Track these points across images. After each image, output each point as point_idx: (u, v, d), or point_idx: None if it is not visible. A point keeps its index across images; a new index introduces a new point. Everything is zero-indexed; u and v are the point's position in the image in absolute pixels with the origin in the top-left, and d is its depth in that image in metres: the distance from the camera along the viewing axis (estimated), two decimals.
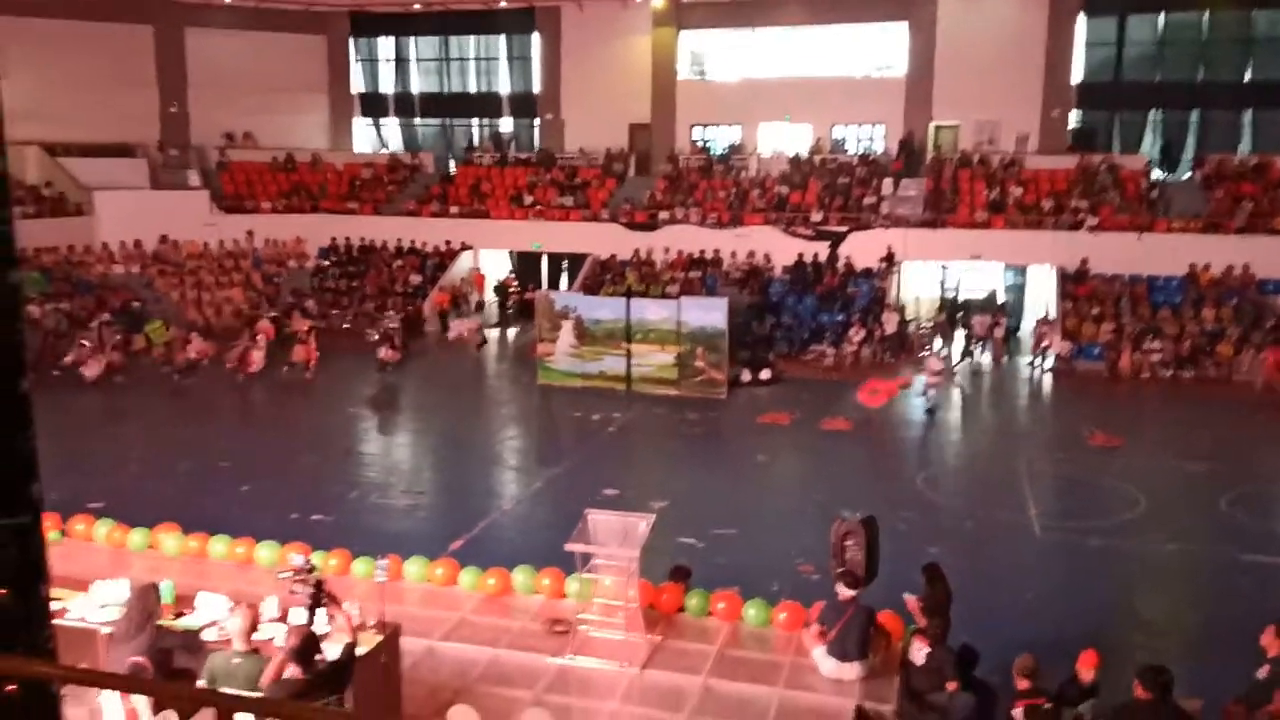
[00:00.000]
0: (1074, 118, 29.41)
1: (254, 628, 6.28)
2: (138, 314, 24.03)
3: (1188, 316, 23.12)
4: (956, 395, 20.50)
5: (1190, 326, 22.76)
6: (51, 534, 8.62)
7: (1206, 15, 27.98)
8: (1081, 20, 28.68)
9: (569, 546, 8.12)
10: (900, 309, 24.99)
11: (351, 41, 35.14)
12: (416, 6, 33.39)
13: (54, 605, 2.54)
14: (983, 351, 23.95)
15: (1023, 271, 27.08)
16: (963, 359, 23.73)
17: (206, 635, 7.02)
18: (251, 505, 12.97)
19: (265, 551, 9.70)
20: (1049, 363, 22.76)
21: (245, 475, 14.52)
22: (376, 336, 21.56)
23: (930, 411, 18.56)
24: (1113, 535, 12.58)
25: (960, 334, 24.93)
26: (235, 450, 15.91)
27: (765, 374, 21.43)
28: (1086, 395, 20.94)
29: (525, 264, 30.69)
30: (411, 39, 35.10)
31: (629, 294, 24.42)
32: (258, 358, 20.27)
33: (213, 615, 7.28)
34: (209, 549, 9.82)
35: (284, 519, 12.17)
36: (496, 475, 15.60)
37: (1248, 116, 28.26)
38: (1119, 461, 15.92)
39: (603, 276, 27.45)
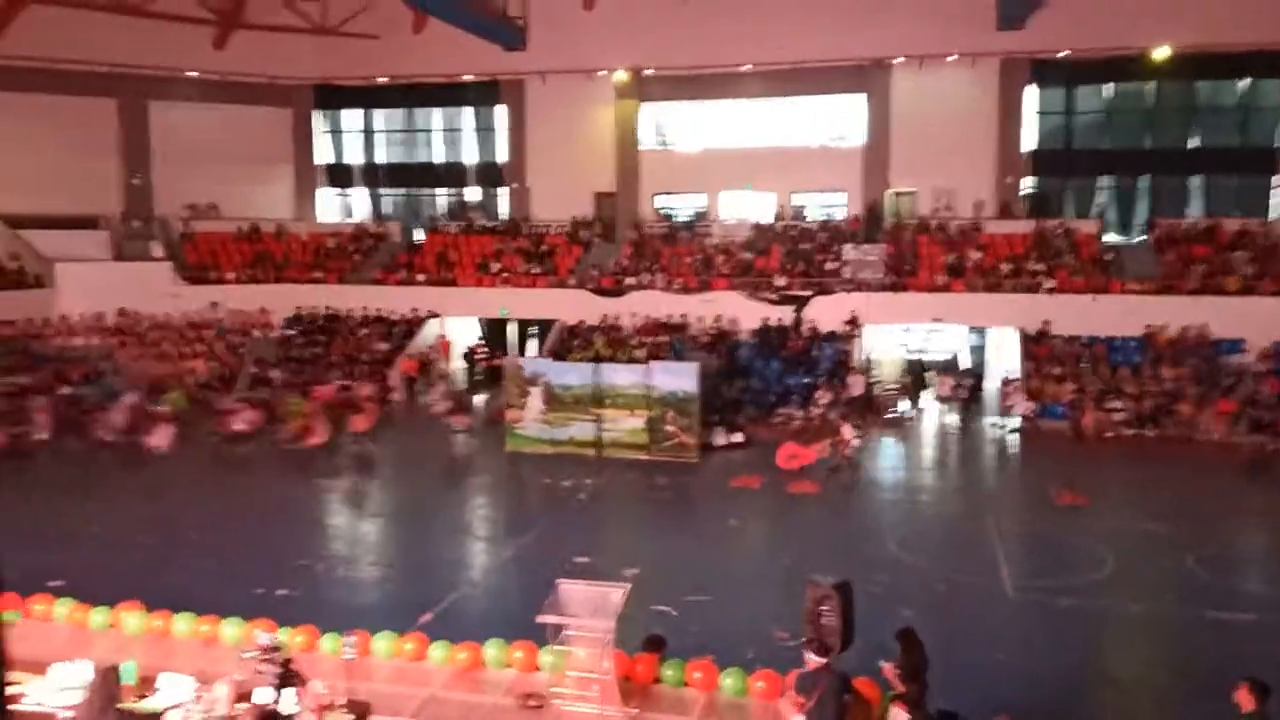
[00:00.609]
0: (1028, 184, 30.24)
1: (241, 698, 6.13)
2: (108, 387, 23.70)
3: (1148, 376, 23.56)
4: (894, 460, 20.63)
5: (1150, 386, 23.18)
6: (9, 615, 8.38)
7: (1151, 85, 29.05)
8: (1031, 90, 29.65)
9: (541, 618, 8.03)
10: (865, 371, 25.25)
11: (317, 113, 35.41)
12: (382, 80, 33.83)
13: (11, 690, 2.49)
14: (949, 412, 24.20)
15: (984, 333, 27.53)
16: (912, 412, 24.10)
17: (170, 718, 6.84)
18: (217, 580, 12.71)
19: (230, 629, 9.50)
20: (1014, 422, 23.06)
21: (210, 548, 14.22)
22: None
23: (834, 469, 18.55)
24: (1083, 595, 12.64)
25: (926, 394, 25.23)
26: (200, 523, 15.61)
27: (738, 437, 21.52)
28: (1052, 454, 21.16)
29: (493, 330, 30.72)
30: (377, 111, 35.47)
31: (597, 359, 24.50)
32: (320, 430, 20.29)
33: (177, 697, 7.09)
34: (172, 627, 9.59)
35: (249, 594, 11.91)
36: (466, 545, 15.41)
37: (1196, 181, 29.23)
38: (1086, 520, 16.06)
39: (570, 342, 27.52)
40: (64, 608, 9.83)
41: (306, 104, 35.11)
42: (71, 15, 29.55)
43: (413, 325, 29.13)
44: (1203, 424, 21.99)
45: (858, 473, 18.77)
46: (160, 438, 19.84)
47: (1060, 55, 28.62)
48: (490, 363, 28.37)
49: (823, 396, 23.66)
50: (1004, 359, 25.99)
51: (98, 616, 9.68)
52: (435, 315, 29.59)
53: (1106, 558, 14.12)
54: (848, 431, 18.90)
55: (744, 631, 11.02)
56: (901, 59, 29.62)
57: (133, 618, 9.63)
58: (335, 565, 14.10)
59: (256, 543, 14.83)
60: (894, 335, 27.42)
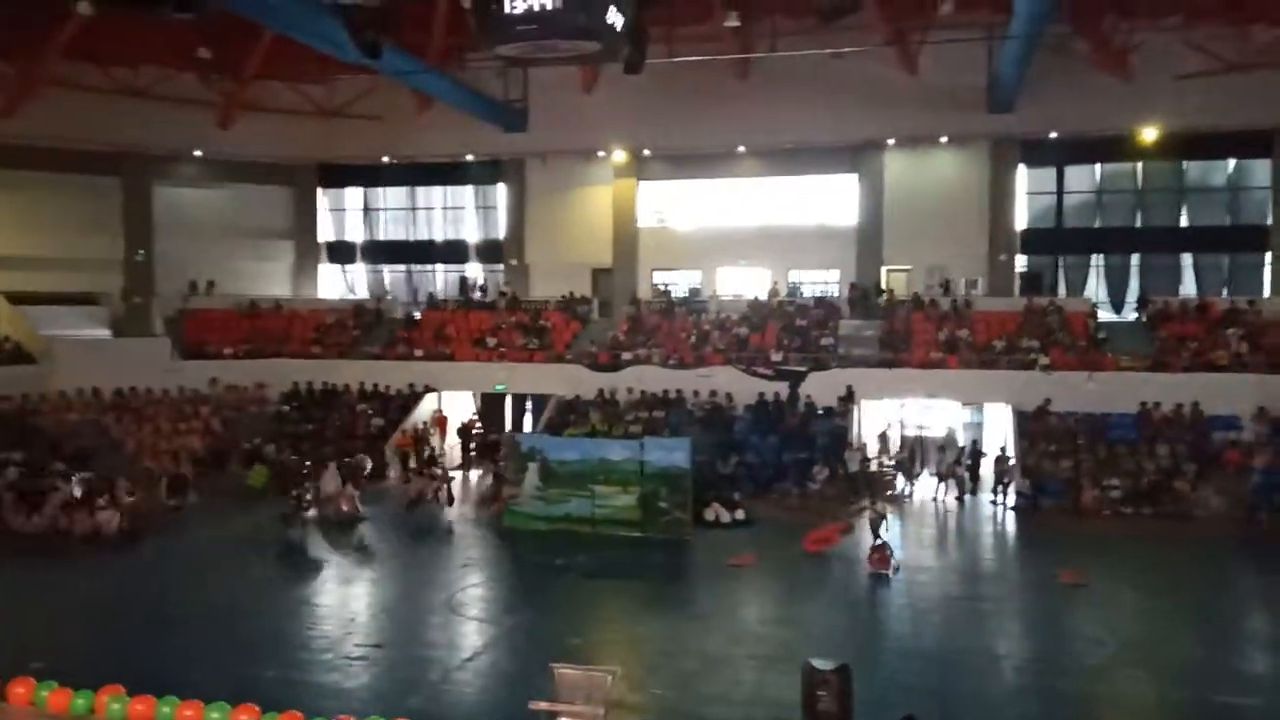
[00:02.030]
0: (1020, 262, 30.57)
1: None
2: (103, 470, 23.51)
3: (1143, 454, 23.50)
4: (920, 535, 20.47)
5: (1146, 464, 23.11)
6: None
7: (1140, 165, 29.59)
8: (1022, 170, 30.18)
9: (534, 705, 7.88)
10: (862, 448, 25.18)
11: (320, 192, 35.95)
12: (385, 159, 34.46)
13: None
14: (946, 490, 24.07)
15: (981, 410, 27.55)
16: (909, 489, 24.03)
17: None
18: (201, 662, 12.48)
19: (215, 714, 9.29)
20: (1011, 500, 22.94)
21: (195, 629, 14.00)
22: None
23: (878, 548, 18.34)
24: (1084, 677, 12.42)
25: (922, 474, 25.14)
26: (185, 603, 15.38)
27: (739, 514, 21.34)
28: (1050, 532, 21.01)
29: (489, 406, 30.70)
30: (380, 189, 36.04)
31: (593, 434, 24.43)
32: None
33: None
34: (156, 712, 9.38)
35: (235, 676, 11.68)
36: (457, 625, 15.15)
37: (1187, 260, 29.57)
38: (1087, 599, 15.87)
39: (566, 417, 27.49)
40: (45, 691, 9.62)
41: (310, 182, 35.68)
42: (80, 97, 30.24)
43: (409, 401, 29.12)
44: (1200, 501, 21.90)
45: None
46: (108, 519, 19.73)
47: (1049, 136, 29.21)
48: (485, 438, 28.28)
49: (819, 473, 23.56)
50: (999, 436, 25.94)
51: (79, 701, 9.47)
52: (431, 390, 29.60)
53: (1107, 638, 13.92)
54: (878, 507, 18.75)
55: (743, 717, 10.81)
56: (893, 141, 30.22)
57: (115, 702, 9.42)
58: (323, 646, 13.86)
59: (242, 623, 14.59)
60: (890, 411, 27.41)
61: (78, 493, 20.82)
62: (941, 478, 24.24)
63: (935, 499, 23.89)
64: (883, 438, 25.90)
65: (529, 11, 11.29)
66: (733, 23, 26.20)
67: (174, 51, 29.90)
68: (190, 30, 27.65)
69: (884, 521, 18.66)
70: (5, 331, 27.44)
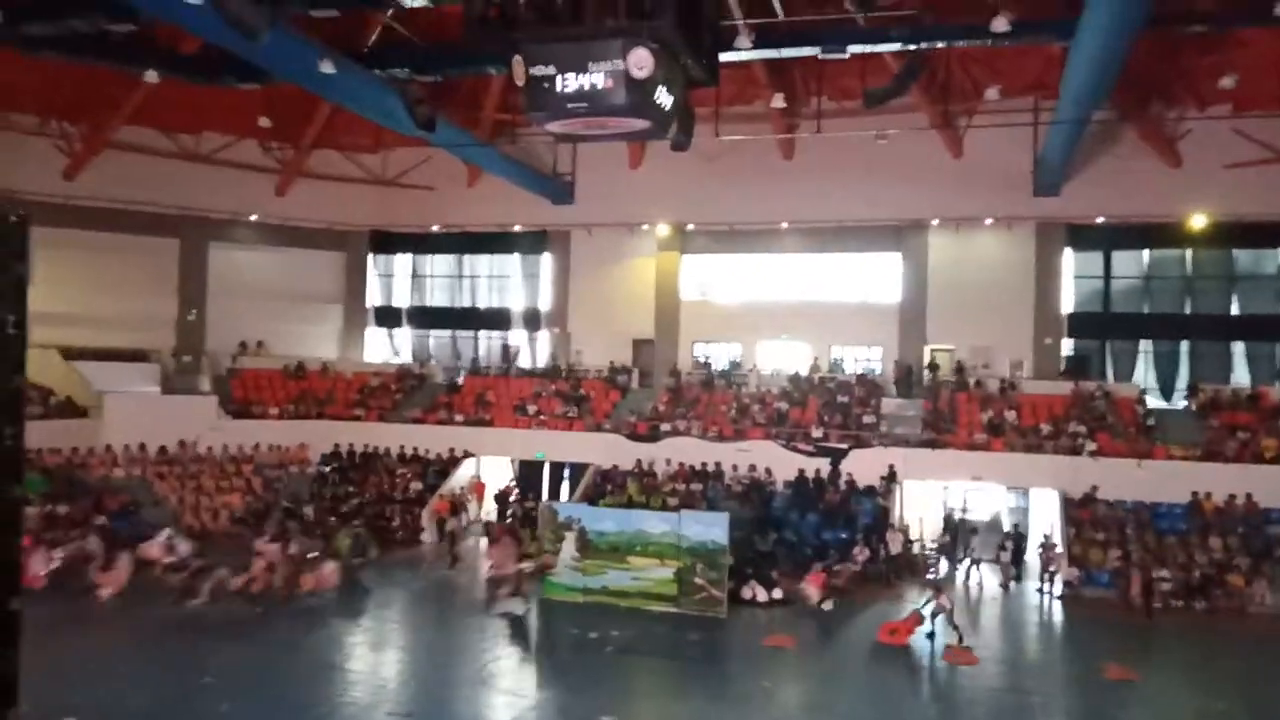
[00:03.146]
0: (1067, 346, 30.23)
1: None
2: (137, 522, 23.75)
3: (1195, 545, 22.84)
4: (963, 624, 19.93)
5: (1198, 556, 22.45)
6: None
7: (1189, 252, 29.31)
8: (1068, 254, 30.03)
9: None
10: (904, 529, 24.75)
11: (370, 257, 36.71)
12: (435, 228, 35.19)
13: None
14: (990, 575, 23.52)
15: (1026, 494, 27.02)
16: (966, 577, 23.46)
17: None
18: None
19: None
20: (1058, 589, 22.35)
21: (227, 692, 13.93)
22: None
23: (930, 635, 18.09)
24: None
25: (965, 558, 24.61)
26: (217, 665, 15.34)
27: (777, 593, 20.96)
28: (1097, 624, 20.39)
29: (526, 472, 30.70)
30: (428, 257, 36.73)
31: (629, 504, 24.27)
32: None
33: None
34: None
35: None
36: (488, 696, 14.96)
37: (1239, 348, 29.04)
38: (1137, 696, 15.31)
39: (604, 486, 27.38)
40: None
41: (360, 248, 36.44)
42: (143, 160, 31.37)
43: (448, 465, 29.22)
44: (1258, 597, 21.18)
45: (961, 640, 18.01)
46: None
47: (1096, 221, 29.10)
48: (523, 505, 28.22)
49: (860, 553, 23.16)
50: (1045, 522, 25.37)
51: None
52: (471, 455, 29.70)
53: None
54: (945, 602, 18.35)
55: None
56: (937, 221, 30.29)
57: None
58: (353, 713, 13.73)
59: (274, 687, 14.51)
60: (933, 493, 26.97)
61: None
62: (985, 563, 23.70)
63: (977, 584, 23.31)
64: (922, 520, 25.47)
65: (580, 91, 11.58)
66: (779, 104, 26.67)
67: (236, 119, 31.04)
68: (253, 99, 28.78)
69: (947, 613, 18.23)
70: (58, 385, 28.05)
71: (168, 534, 21.30)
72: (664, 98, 12.15)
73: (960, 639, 17.69)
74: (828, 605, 20.09)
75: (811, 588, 20.26)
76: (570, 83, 11.60)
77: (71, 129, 30.45)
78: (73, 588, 19.12)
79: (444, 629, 18.71)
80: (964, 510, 26.55)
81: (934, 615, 18.18)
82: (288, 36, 18.86)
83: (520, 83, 12.03)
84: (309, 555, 20.91)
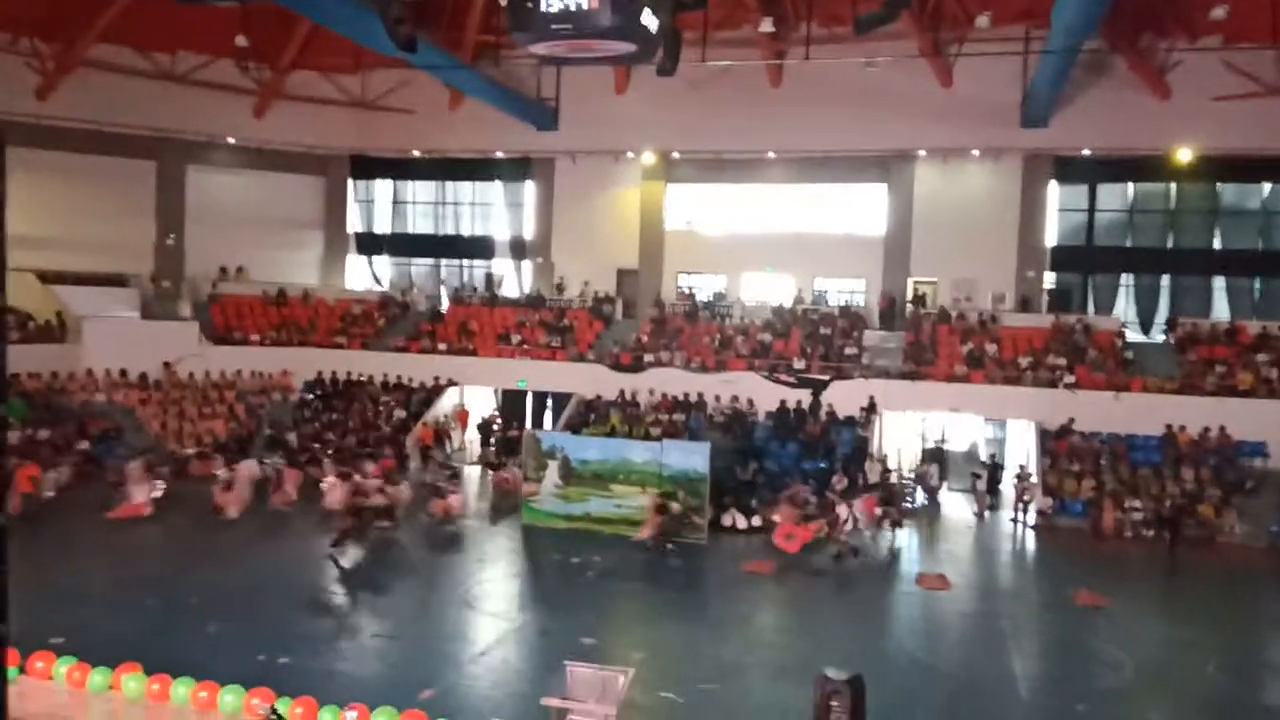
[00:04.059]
0: (1049, 279, 30.33)
1: None
2: (116, 443, 23.81)
3: (1168, 476, 23.26)
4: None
5: (1170, 487, 22.88)
6: (10, 671, 8.32)
7: (1174, 186, 29.29)
8: (1054, 187, 29.95)
9: (545, 701, 7.90)
10: (883, 459, 25.07)
11: (350, 183, 36.19)
12: (416, 153, 34.65)
13: None
14: (966, 504, 23.92)
15: (1004, 426, 27.36)
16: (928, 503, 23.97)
17: None
18: (218, 645, 12.60)
19: (229, 697, 9.40)
20: (1031, 518, 22.78)
21: (213, 613, 14.10)
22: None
23: (838, 556, 18.60)
24: (1100, 701, 12.30)
25: (943, 486, 25.01)
26: (204, 588, 15.50)
27: (756, 520, 21.27)
28: (1070, 552, 20.85)
29: (509, 402, 30.80)
30: (409, 183, 36.23)
31: (612, 434, 24.44)
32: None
33: None
34: (171, 692, 9.49)
35: (250, 660, 11.78)
36: (471, 619, 15.21)
37: (1219, 283, 29.21)
38: (1105, 622, 15.72)
39: (587, 416, 27.53)
40: (64, 666, 9.76)
41: (341, 173, 35.89)
42: (118, 80, 30.60)
43: (431, 394, 29.26)
44: (1225, 526, 21.67)
45: (858, 556, 18.61)
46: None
47: (1083, 153, 28.97)
48: (506, 434, 28.37)
49: (839, 483, 23.46)
50: (1021, 453, 25.76)
51: (97, 677, 9.59)
52: (454, 384, 29.74)
53: (1125, 662, 13.79)
54: (843, 511, 18.81)
55: None
56: (924, 152, 30.07)
57: (132, 680, 9.54)
58: (338, 635, 13.96)
59: (260, 609, 14.69)
60: (912, 424, 27.27)
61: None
62: (961, 492, 24.11)
63: (954, 513, 23.72)
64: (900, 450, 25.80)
65: (564, 11, 11.35)
66: (767, 29, 26.19)
67: (212, 38, 30.22)
68: (229, 18, 28.01)
69: (851, 556, 18.69)
70: (35, 309, 27.76)
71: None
72: (650, 20, 11.93)
73: (842, 555, 18.34)
74: (879, 537, 20.02)
75: (863, 513, 19.74)
76: (555, 2, 11.37)
77: (44, 47, 29.60)
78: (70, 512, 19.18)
79: (428, 554, 18.92)
80: (941, 441, 26.91)
81: (832, 528, 18.70)
82: None
83: (504, 2, 11.77)
84: (438, 484, 21.44)
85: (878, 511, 20.01)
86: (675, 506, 19.81)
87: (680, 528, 19.63)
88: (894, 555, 19.93)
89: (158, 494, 20.30)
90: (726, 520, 21.29)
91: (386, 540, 19.11)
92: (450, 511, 20.41)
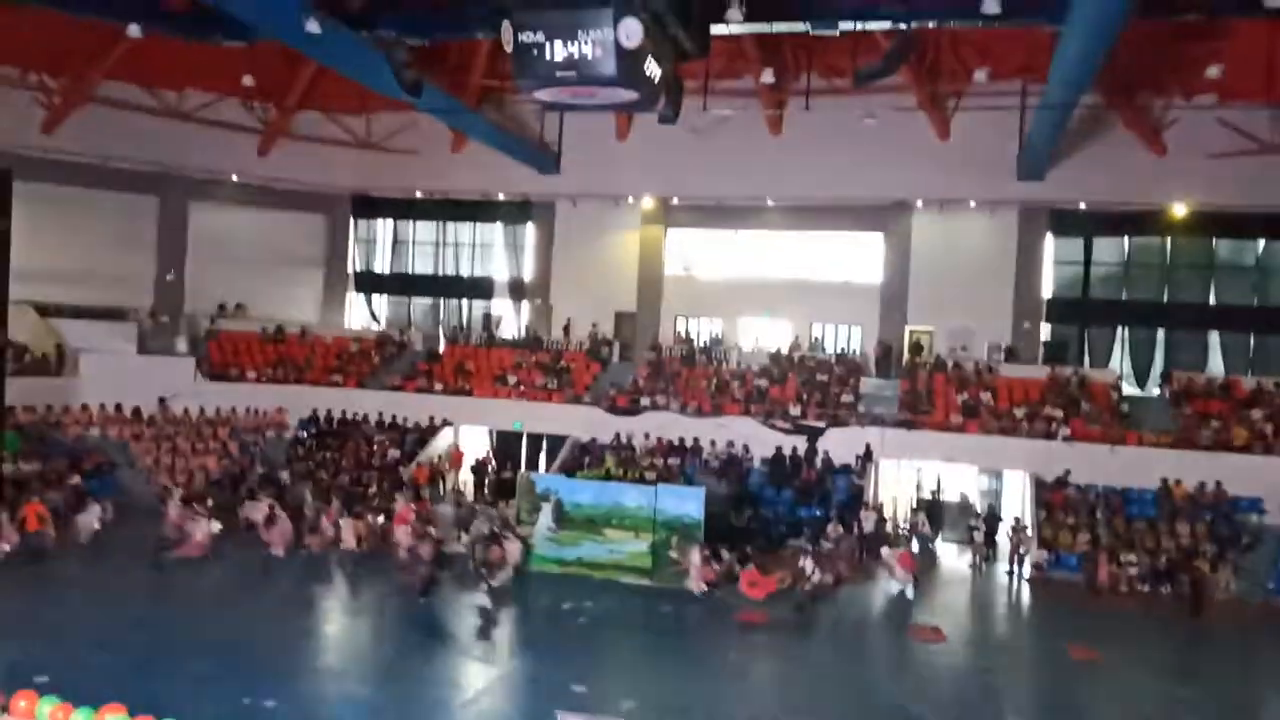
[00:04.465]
0: (1045, 331, 30.45)
1: None
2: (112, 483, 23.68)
3: (1163, 531, 23.16)
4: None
5: (1166, 542, 22.77)
6: None
7: (1169, 241, 29.51)
8: (1049, 239, 30.17)
9: None
10: (878, 508, 24.96)
11: (352, 221, 36.41)
12: (418, 193, 34.92)
13: None
14: (960, 555, 23.79)
15: (1000, 477, 27.29)
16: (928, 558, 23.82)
17: None
18: (203, 686, 12.44)
19: None
20: (1026, 571, 22.64)
21: (200, 652, 13.94)
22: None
23: (799, 607, 18.41)
24: None
25: (937, 536, 24.89)
26: (191, 626, 15.35)
27: (749, 568, 21.05)
28: (1064, 606, 20.68)
29: (504, 443, 30.70)
30: (410, 222, 36.46)
31: (607, 477, 24.35)
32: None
33: None
34: None
35: (236, 703, 11.65)
36: (461, 664, 15.06)
37: (1214, 337, 29.32)
38: (1099, 677, 15.57)
39: (582, 459, 27.44)
40: (48, 706, 9.59)
41: (343, 212, 36.14)
42: (124, 115, 30.90)
43: (426, 434, 29.17)
44: (1220, 582, 21.52)
45: (813, 610, 18.48)
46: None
47: (1079, 207, 29.23)
48: (500, 476, 28.25)
49: (834, 531, 23.35)
50: (1016, 504, 25.66)
51: (80, 717, 9.43)
52: (449, 424, 29.66)
53: (1119, 718, 13.64)
54: (807, 565, 18.75)
55: None
56: (921, 202, 30.33)
57: None
58: (325, 677, 13.79)
59: (246, 649, 14.52)
60: (908, 473, 27.19)
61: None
62: (955, 543, 23.98)
63: (948, 564, 23.57)
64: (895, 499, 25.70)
65: (569, 59, 11.51)
66: (768, 79, 26.56)
67: (219, 77, 30.61)
68: (236, 57, 28.35)
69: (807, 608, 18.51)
70: (32, 342, 27.75)
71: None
72: (653, 69, 12.09)
73: (803, 606, 18.20)
74: (910, 590, 19.81)
75: (900, 569, 19.93)
76: (559, 50, 11.53)
77: (52, 82, 29.94)
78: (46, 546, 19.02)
79: (418, 597, 18.74)
80: (937, 491, 26.81)
81: (795, 580, 18.64)
82: None
83: (509, 49, 11.94)
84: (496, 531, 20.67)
85: (913, 566, 20.02)
86: (725, 556, 19.71)
87: (731, 579, 19.38)
88: (889, 606, 19.77)
89: (216, 532, 20.11)
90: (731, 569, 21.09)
91: (376, 581, 18.94)
92: (506, 560, 19.44)
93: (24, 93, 29.61)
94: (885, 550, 20.81)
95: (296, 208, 34.95)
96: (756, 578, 18.74)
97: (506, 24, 11.78)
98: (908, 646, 17.14)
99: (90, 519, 20.55)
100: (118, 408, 27.75)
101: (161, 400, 28.40)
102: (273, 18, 20.08)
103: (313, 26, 19.46)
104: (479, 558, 19.08)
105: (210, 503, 22.13)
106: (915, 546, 24.16)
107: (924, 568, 23.05)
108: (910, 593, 19.92)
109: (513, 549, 19.61)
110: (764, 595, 18.49)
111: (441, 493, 26.91)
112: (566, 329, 32.97)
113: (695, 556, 19.31)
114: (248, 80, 29.70)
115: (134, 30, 24.16)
